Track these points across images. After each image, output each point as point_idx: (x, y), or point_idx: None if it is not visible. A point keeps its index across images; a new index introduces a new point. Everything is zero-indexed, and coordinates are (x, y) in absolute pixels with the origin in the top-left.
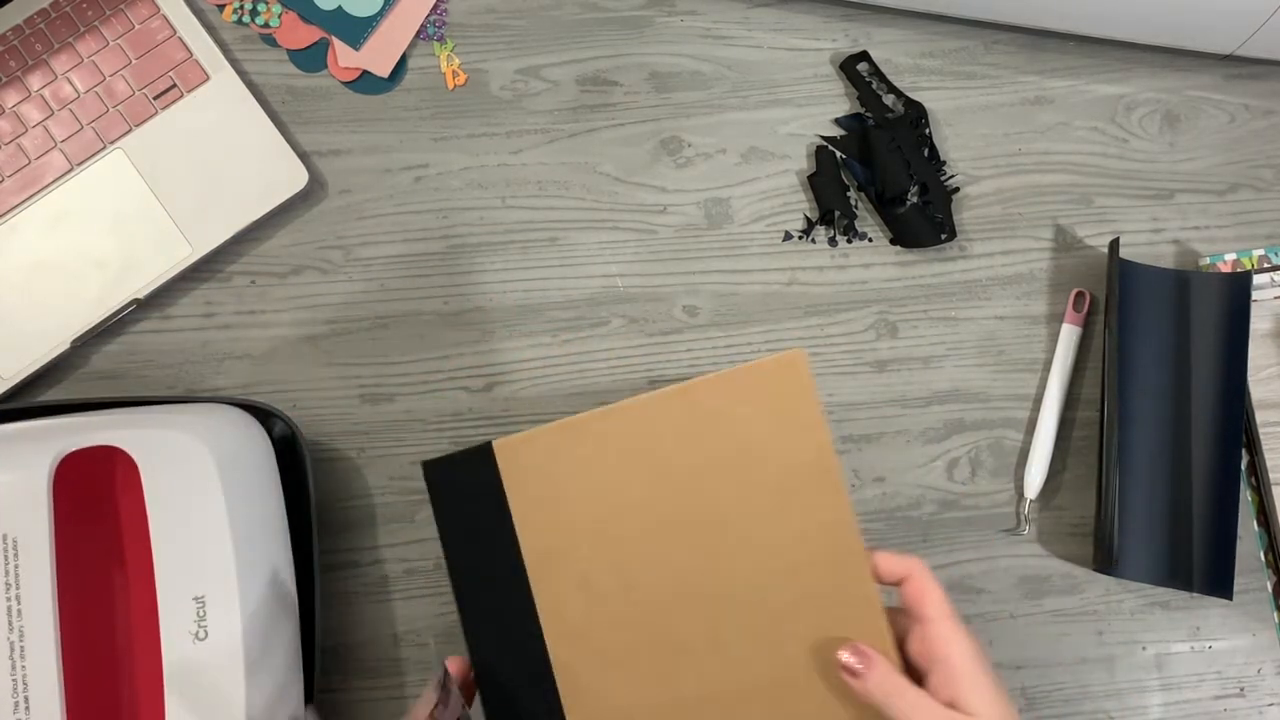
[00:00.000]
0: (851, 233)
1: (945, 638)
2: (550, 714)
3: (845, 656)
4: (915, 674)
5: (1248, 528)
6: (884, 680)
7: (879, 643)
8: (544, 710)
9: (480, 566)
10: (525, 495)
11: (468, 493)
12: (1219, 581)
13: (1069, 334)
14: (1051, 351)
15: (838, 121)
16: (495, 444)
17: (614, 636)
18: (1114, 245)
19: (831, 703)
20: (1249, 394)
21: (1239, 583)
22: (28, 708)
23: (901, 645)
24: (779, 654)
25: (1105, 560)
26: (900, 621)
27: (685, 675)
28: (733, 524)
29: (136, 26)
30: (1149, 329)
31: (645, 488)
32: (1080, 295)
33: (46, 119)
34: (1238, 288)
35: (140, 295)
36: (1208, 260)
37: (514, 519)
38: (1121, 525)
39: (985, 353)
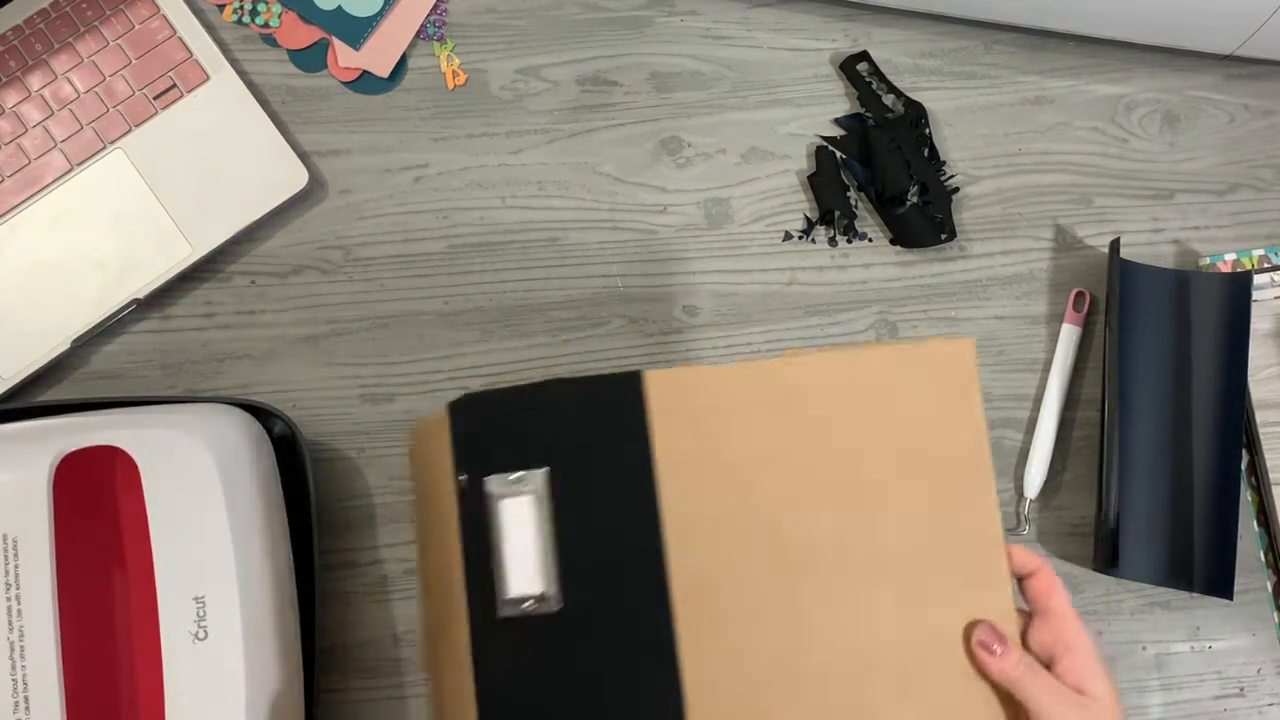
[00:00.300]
0: (851, 233)
1: (1075, 628)
2: (667, 682)
3: (983, 635)
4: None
5: (1248, 528)
6: (1020, 661)
7: (1009, 628)
8: (659, 672)
9: (601, 498)
10: (672, 434)
11: (603, 424)
12: (1219, 582)
13: (1069, 334)
14: (1051, 351)
15: (838, 121)
16: (647, 374)
17: (743, 594)
18: (1114, 245)
19: (958, 680)
20: (1249, 394)
21: (1239, 583)
22: (28, 708)
23: (1025, 639)
24: (910, 630)
25: (1106, 560)
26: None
27: (812, 643)
28: (880, 494)
29: (136, 26)
30: (1149, 329)
31: (798, 444)
32: (1080, 295)
33: (46, 119)
34: (1238, 288)
35: (140, 295)
36: (1208, 260)
37: (655, 456)
38: (1122, 525)
39: (985, 353)
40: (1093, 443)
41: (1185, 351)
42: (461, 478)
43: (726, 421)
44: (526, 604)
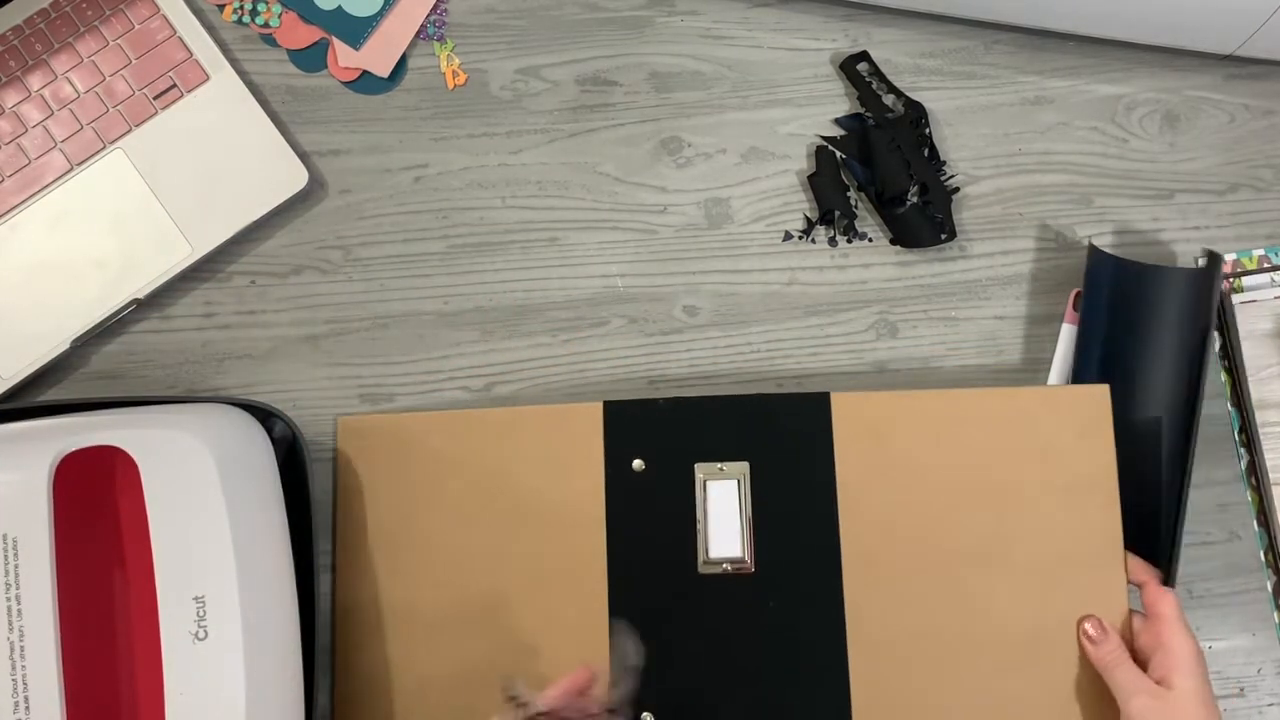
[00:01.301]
0: (851, 233)
1: (1173, 631)
2: (835, 634)
3: (1089, 627)
4: (1141, 661)
5: (1248, 528)
6: (1114, 651)
7: (1119, 623)
8: (830, 627)
9: (790, 488)
10: (850, 443)
11: (794, 431)
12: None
13: (1068, 334)
14: (1052, 351)
15: (838, 121)
16: (833, 396)
17: (898, 572)
18: (1091, 248)
19: (1067, 662)
20: (1249, 393)
21: (1239, 583)
22: (28, 708)
23: (1133, 637)
24: (1034, 616)
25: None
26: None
27: (951, 616)
28: (1021, 505)
29: (136, 26)
30: (1108, 319)
31: (955, 459)
32: (1079, 295)
33: (46, 119)
34: (1203, 281)
35: (140, 295)
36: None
37: (835, 459)
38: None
39: (985, 353)
40: None
41: (1145, 342)
42: (637, 463)
43: (895, 436)
44: (724, 565)
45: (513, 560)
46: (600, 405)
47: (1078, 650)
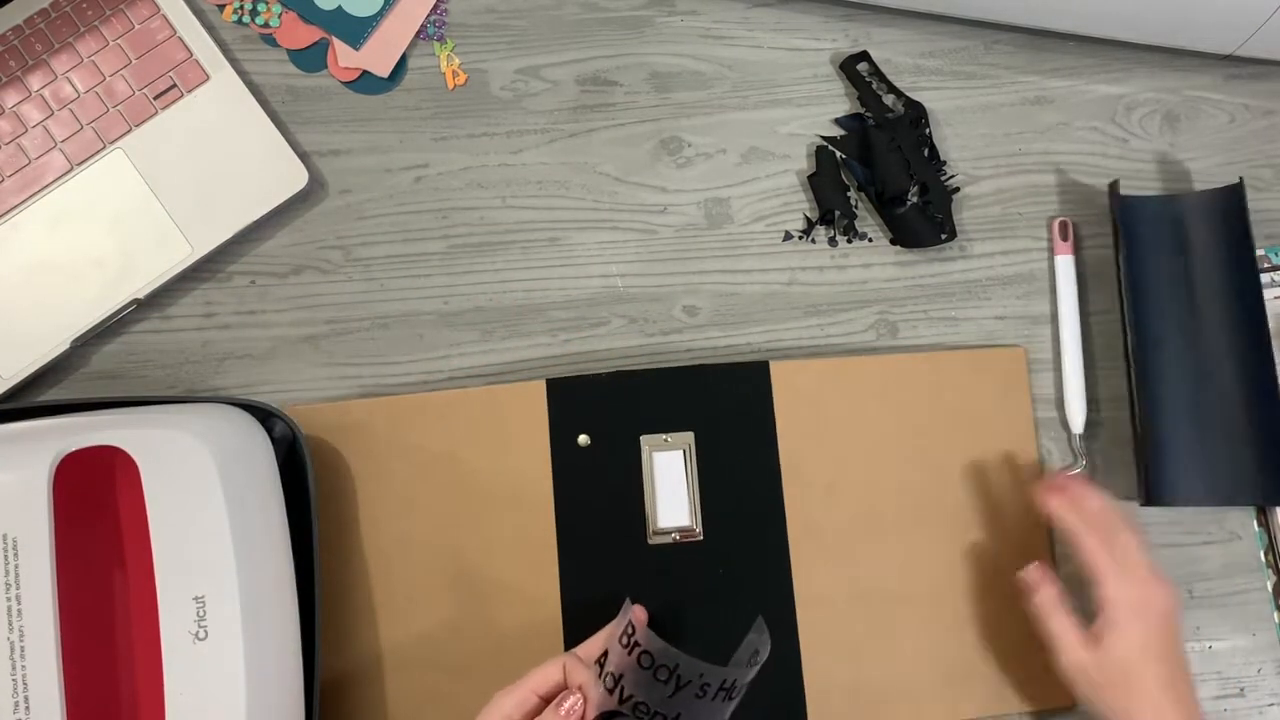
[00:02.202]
0: (851, 233)
1: (1105, 578)
2: (784, 596)
3: (1027, 574)
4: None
5: (1248, 528)
6: (1047, 600)
7: (1048, 557)
8: (777, 588)
9: (740, 459)
10: (789, 410)
11: (736, 400)
12: None
13: (1066, 264)
14: (1056, 352)
15: (838, 121)
16: (772, 364)
17: (841, 533)
18: (1113, 186)
19: (999, 617)
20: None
21: (1238, 583)
22: (28, 708)
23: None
24: (966, 570)
25: (1152, 489)
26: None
27: (890, 574)
28: (951, 463)
29: (136, 26)
30: (1154, 255)
31: (885, 420)
32: (1064, 224)
33: (46, 119)
34: (1233, 198)
35: (140, 295)
36: None
37: (777, 426)
38: (1166, 453)
39: None
40: (1092, 431)
41: (1192, 270)
42: (582, 438)
43: (832, 401)
44: (674, 535)
45: (463, 542)
46: (543, 383)
47: (1010, 600)
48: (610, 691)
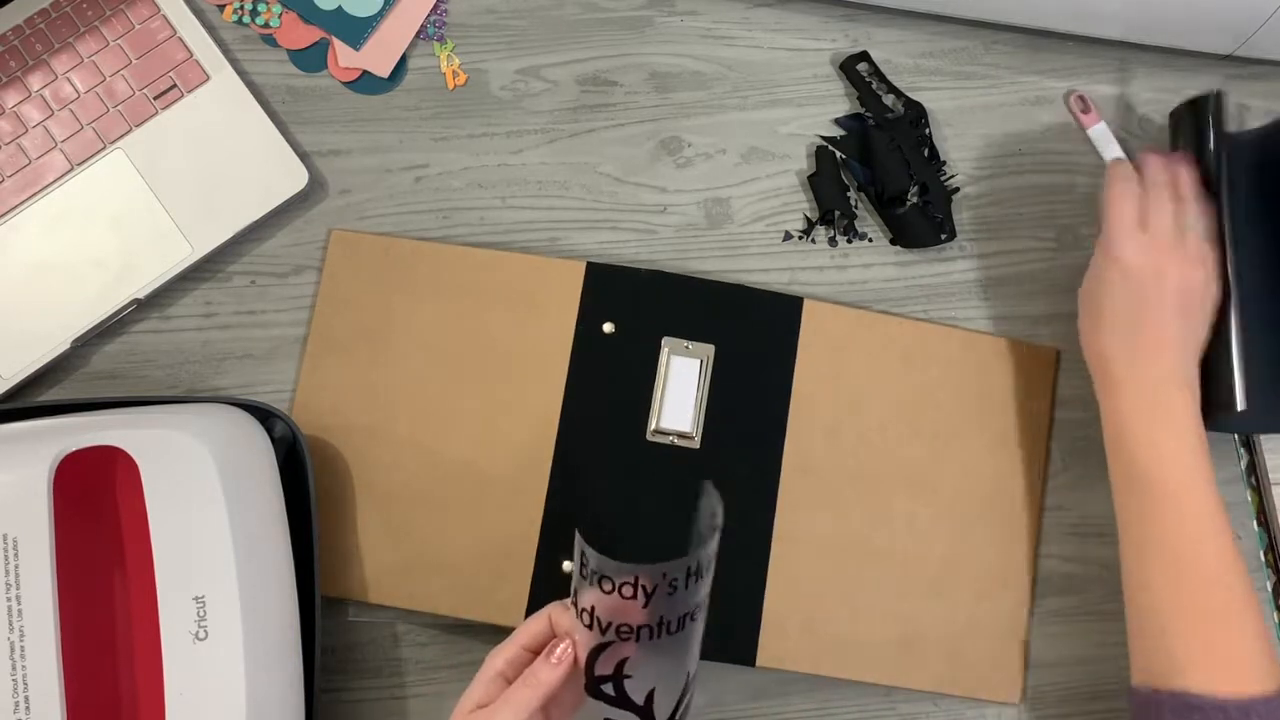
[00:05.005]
0: (851, 233)
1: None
2: (763, 525)
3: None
4: None
5: (1248, 528)
6: (1120, 179)
7: (1017, 572)
8: (759, 516)
9: (753, 385)
10: (812, 350)
11: (763, 327)
12: None
13: (1103, 132)
14: (1053, 352)
15: (838, 121)
16: (806, 303)
17: (832, 480)
18: (1218, 96)
19: (968, 596)
20: None
21: None
22: (28, 708)
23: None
24: (946, 546)
25: (1226, 406)
26: None
27: (871, 531)
28: (958, 442)
29: (136, 26)
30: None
31: (903, 383)
32: (1080, 97)
33: (46, 119)
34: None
35: (140, 295)
36: None
37: (797, 362)
38: (1247, 367)
39: None
40: (1089, 441)
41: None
42: (608, 326)
43: (855, 353)
44: (671, 437)
45: (470, 393)
46: (584, 264)
47: (980, 586)
48: (590, 627)
